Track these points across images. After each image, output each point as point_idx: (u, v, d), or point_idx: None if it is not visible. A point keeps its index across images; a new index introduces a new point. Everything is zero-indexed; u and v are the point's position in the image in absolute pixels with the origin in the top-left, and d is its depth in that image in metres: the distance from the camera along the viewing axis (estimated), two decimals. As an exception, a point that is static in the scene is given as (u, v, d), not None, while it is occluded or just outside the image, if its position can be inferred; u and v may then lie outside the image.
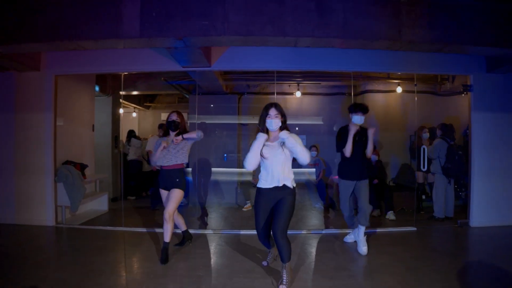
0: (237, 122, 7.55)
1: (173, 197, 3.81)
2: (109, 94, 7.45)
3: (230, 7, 3.62)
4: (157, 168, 6.22)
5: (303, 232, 4.96)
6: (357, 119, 4.05)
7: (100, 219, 5.76)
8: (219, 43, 4.03)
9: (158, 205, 6.11)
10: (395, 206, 5.95)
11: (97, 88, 6.93)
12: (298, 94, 7.50)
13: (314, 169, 6.71)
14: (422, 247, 4.39)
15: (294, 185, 3.20)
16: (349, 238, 4.49)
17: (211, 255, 4.04)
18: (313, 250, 4.21)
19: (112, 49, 4.85)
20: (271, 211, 3.18)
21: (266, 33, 3.62)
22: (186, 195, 7.03)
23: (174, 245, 4.22)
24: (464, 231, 5.06)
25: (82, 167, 5.73)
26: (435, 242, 4.72)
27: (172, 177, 3.88)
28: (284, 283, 3.06)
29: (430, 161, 5.84)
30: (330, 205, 6.50)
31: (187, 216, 6.02)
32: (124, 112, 8.39)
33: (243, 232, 4.93)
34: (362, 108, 4.06)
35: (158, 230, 4.92)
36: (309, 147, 6.69)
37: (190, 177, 6.77)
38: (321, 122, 7.54)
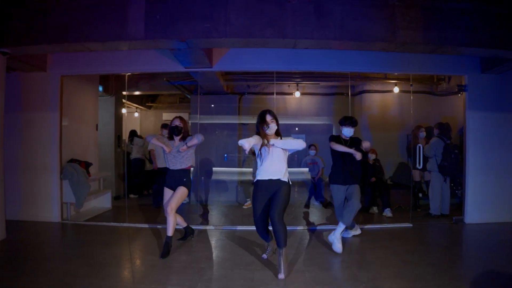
0: (237, 122, 7.69)
1: (178, 193, 3.96)
2: (112, 94, 7.60)
3: (231, 10, 3.76)
4: (159, 167, 6.42)
5: (301, 228, 5.10)
6: (347, 131, 4.29)
7: (104, 216, 5.90)
8: (220, 45, 4.18)
9: (160, 202, 6.24)
10: (392, 203, 6.09)
11: (100, 88, 7.07)
12: (297, 94, 7.65)
13: (312, 168, 6.84)
14: (417, 242, 4.54)
15: (290, 182, 3.51)
16: (347, 234, 4.59)
17: (213, 249, 4.18)
18: (311, 245, 4.34)
19: (117, 50, 4.99)
20: (268, 202, 3.44)
21: (266, 35, 3.77)
22: (188, 194, 7.18)
23: (177, 239, 4.37)
24: (459, 227, 5.21)
25: (86, 165, 5.88)
26: (430, 238, 4.86)
27: (179, 177, 4.04)
28: (282, 271, 3.22)
29: (426, 159, 5.99)
30: (328, 202, 6.64)
31: (189, 213, 6.18)
32: (126, 112, 8.53)
33: (243, 228, 5.07)
34: (351, 122, 4.29)
35: (160, 226, 5.06)
36: (308, 146, 6.84)
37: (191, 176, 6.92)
38: (320, 122, 7.69)
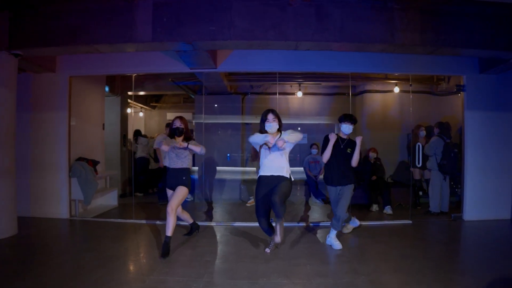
0: (240, 121, 7.82)
1: (178, 193, 3.98)
2: (118, 94, 7.76)
3: (235, 13, 3.92)
4: (164, 165, 6.54)
5: (302, 224, 5.24)
6: (346, 128, 4.27)
7: (111, 213, 6.06)
8: (225, 47, 4.34)
9: (166, 200, 6.39)
10: (393, 201, 6.22)
11: (107, 89, 7.23)
12: (299, 94, 7.78)
13: (314, 167, 6.96)
14: (416, 238, 4.67)
15: (292, 178, 3.75)
16: (353, 223, 4.67)
17: (217, 244, 4.32)
18: (312, 240, 4.47)
19: (124, 51, 5.13)
20: (269, 197, 3.62)
21: (269, 38, 3.92)
22: (192, 192, 7.34)
23: (183, 234, 4.51)
24: (457, 224, 5.33)
25: (94, 163, 6.03)
26: (428, 234, 5.00)
27: (178, 176, 4.06)
28: (278, 234, 3.55)
29: (426, 158, 6.11)
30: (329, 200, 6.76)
31: (195, 210, 6.33)
32: (131, 112, 8.69)
33: (246, 224, 5.21)
34: (351, 119, 4.28)
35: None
36: (310, 145, 6.97)
37: (195, 175, 7.09)
38: (322, 121, 7.82)
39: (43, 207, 5.58)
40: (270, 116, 3.69)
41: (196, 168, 7.08)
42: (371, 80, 7.64)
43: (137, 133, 8.00)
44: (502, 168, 5.47)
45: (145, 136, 8.11)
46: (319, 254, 3.95)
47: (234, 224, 5.24)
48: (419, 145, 6.03)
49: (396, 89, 7.37)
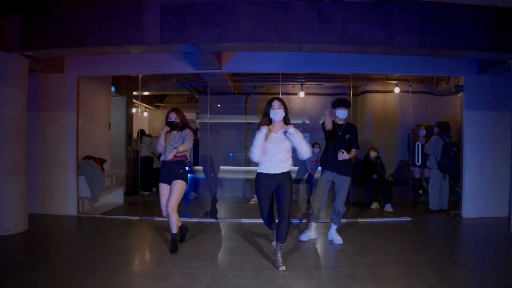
0: (244, 121, 7.95)
1: (176, 189, 3.83)
2: (124, 94, 7.91)
3: (240, 16, 4.07)
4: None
5: (304, 221, 5.37)
6: (341, 113, 4.24)
7: (118, 210, 6.21)
8: (230, 49, 4.49)
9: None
10: (393, 200, 6.35)
11: (112, 89, 7.38)
12: (301, 94, 7.92)
13: (316, 166, 7.09)
14: (415, 233, 4.80)
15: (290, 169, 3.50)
16: (305, 237, 4.42)
17: (222, 239, 4.46)
18: (315, 237, 4.61)
19: (132, 53, 5.28)
20: (272, 195, 3.48)
21: (273, 40, 4.06)
22: (196, 189, 7.50)
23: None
24: (456, 221, 5.46)
25: (101, 161, 6.19)
26: (427, 230, 5.15)
27: (174, 169, 3.89)
28: (281, 264, 3.41)
29: (426, 157, 6.24)
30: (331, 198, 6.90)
31: (198, 208, 6.49)
32: (136, 112, 8.85)
33: (250, 221, 5.36)
34: (345, 103, 4.24)
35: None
36: (312, 144, 7.11)
37: (198, 174, 7.27)
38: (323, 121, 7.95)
39: (52, 204, 5.73)
40: (276, 103, 3.35)
41: (200, 167, 7.23)
42: (372, 81, 7.77)
43: (141, 132, 8.15)
44: (500, 166, 5.58)
45: (149, 135, 8.26)
46: (321, 249, 4.10)
47: (238, 221, 5.38)
48: (418, 144, 6.17)
49: (397, 90, 7.50)
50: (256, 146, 3.29)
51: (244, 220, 5.41)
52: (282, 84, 6.16)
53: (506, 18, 4.24)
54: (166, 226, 5.01)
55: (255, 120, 7.65)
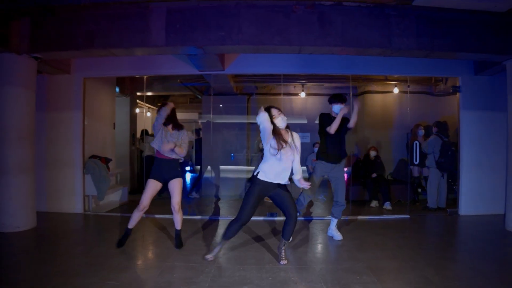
0: (246, 121, 8.09)
1: (178, 188, 3.92)
2: (128, 95, 8.05)
3: (243, 20, 4.21)
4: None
5: (305, 219, 5.51)
6: (338, 108, 4.31)
7: (123, 208, 6.34)
8: (233, 51, 4.64)
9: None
10: (392, 198, 6.50)
11: (117, 90, 7.53)
12: (302, 95, 8.06)
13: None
14: (413, 230, 4.95)
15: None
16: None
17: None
18: (314, 233, 4.75)
19: (137, 55, 5.43)
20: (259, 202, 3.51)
21: (275, 43, 4.21)
22: (198, 189, 7.63)
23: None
24: (453, 219, 5.59)
25: (106, 160, 6.33)
26: (424, 227, 5.29)
27: (171, 168, 3.92)
28: (284, 258, 3.53)
29: (425, 156, 6.38)
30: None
31: (201, 206, 6.63)
32: (139, 112, 9.00)
33: (252, 218, 5.46)
34: (341, 98, 4.33)
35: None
36: (313, 144, 7.25)
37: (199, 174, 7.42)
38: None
39: (59, 202, 5.86)
40: (275, 111, 3.41)
41: (198, 167, 7.37)
42: (371, 81, 7.91)
43: (145, 132, 8.29)
44: (496, 165, 5.71)
45: (152, 135, 8.39)
46: (321, 244, 4.25)
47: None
48: (416, 144, 6.32)
49: (396, 90, 7.64)
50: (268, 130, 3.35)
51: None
52: (283, 85, 6.29)
53: (500, 21, 4.38)
54: (170, 223, 5.15)
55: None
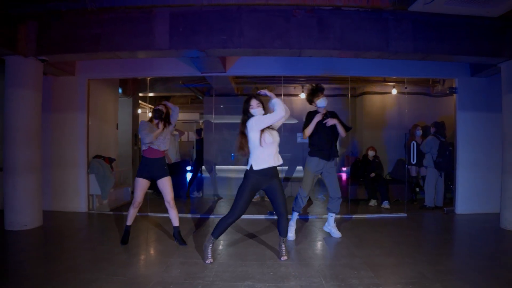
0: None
1: (168, 186, 4.08)
2: (130, 96, 8.18)
3: (244, 23, 4.34)
4: (173, 161, 6.91)
5: (304, 217, 5.63)
6: (322, 102, 4.36)
7: (126, 207, 6.42)
8: (235, 54, 4.76)
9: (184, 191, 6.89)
10: (391, 197, 6.63)
11: (120, 90, 7.65)
12: (302, 95, 8.17)
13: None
14: (410, 228, 5.06)
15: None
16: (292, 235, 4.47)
17: (227, 233, 4.65)
18: (313, 231, 4.88)
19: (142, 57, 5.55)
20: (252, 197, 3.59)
21: (275, 46, 4.34)
22: (200, 188, 7.76)
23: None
24: (450, 217, 5.72)
25: (110, 160, 6.46)
26: (421, 225, 5.42)
27: (158, 167, 4.07)
28: (284, 254, 3.65)
29: (422, 155, 6.51)
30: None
31: (203, 204, 6.75)
32: (141, 112, 9.11)
33: (254, 217, 5.62)
34: (322, 90, 4.33)
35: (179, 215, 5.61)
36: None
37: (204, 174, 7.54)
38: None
39: (63, 201, 5.99)
40: (254, 102, 3.49)
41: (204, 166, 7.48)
42: (370, 83, 8.03)
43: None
44: (492, 164, 5.83)
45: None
46: (320, 241, 4.37)
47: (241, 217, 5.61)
48: (413, 144, 6.45)
49: (394, 91, 7.76)
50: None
51: (247, 216, 5.64)
52: (283, 86, 6.42)
53: (494, 25, 4.51)
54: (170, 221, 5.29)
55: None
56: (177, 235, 4.20)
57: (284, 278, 3.17)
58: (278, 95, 6.82)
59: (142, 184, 4.09)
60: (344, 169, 8.10)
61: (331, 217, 4.57)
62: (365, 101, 8.28)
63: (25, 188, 4.86)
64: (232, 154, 8.07)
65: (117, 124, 7.34)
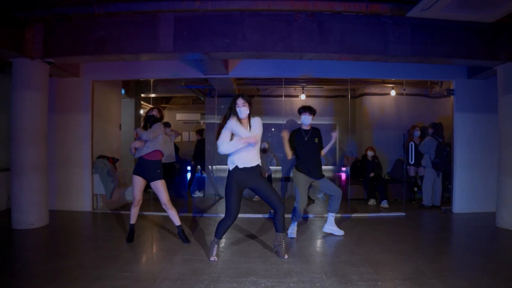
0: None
1: (161, 189, 4.16)
2: (132, 97, 8.29)
3: (247, 27, 4.46)
4: (166, 161, 6.98)
5: (309, 216, 5.75)
6: (305, 119, 4.43)
7: (129, 206, 6.51)
8: (237, 57, 4.88)
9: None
10: (389, 196, 6.75)
11: (122, 91, 7.75)
12: (303, 96, 8.28)
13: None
14: (408, 226, 5.19)
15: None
16: (292, 233, 4.58)
17: (230, 232, 4.79)
18: (314, 229, 5.00)
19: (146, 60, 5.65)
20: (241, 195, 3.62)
21: (277, 50, 4.45)
22: (201, 188, 7.87)
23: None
24: (447, 216, 5.85)
25: (114, 160, 6.56)
26: (419, 223, 5.55)
27: (151, 169, 4.14)
28: (284, 252, 3.75)
29: (421, 156, 6.63)
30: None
31: (204, 204, 6.86)
32: (143, 113, 9.21)
33: (255, 216, 5.75)
34: (309, 109, 4.43)
35: (181, 214, 5.70)
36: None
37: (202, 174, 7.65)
38: (324, 122, 8.33)
39: (68, 201, 6.09)
40: (240, 101, 3.49)
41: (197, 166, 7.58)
42: (369, 84, 8.16)
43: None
44: (488, 164, 5.96)
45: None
46: (320, 239, 4.50)
47: (244, 216, 5.73)
48: (411, 144, 6.58)
49: (393, 92, 7.89)
50: (234, 143, 3.47)
51: (248, 215, 5.77)
52: (284, 87, 6.53)
53: (490, 29, 4.64)
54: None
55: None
56: (180, 234, 4.31)
57: (286, 274, 3.29)
58: (279, 96, 6.90)
59: (138, 182, 4.19)
60: (343, 169, 8.22)
61: (331, 218, 4.67)
62: (365, 102, 8.41)
63: (31, 188, 4.97)
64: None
65: (120, 125, 7.44)
